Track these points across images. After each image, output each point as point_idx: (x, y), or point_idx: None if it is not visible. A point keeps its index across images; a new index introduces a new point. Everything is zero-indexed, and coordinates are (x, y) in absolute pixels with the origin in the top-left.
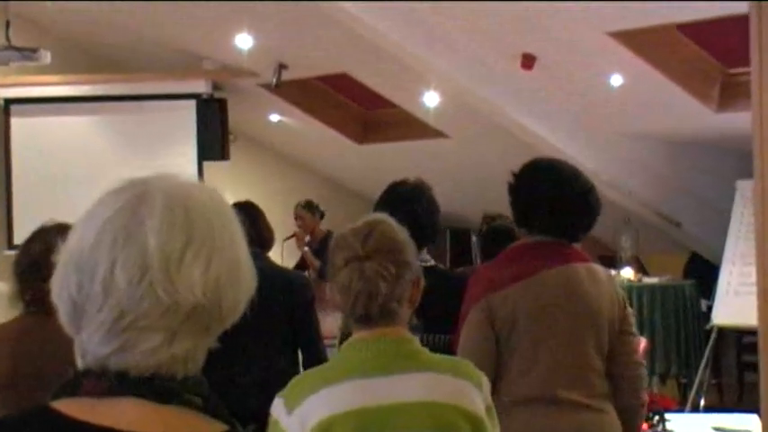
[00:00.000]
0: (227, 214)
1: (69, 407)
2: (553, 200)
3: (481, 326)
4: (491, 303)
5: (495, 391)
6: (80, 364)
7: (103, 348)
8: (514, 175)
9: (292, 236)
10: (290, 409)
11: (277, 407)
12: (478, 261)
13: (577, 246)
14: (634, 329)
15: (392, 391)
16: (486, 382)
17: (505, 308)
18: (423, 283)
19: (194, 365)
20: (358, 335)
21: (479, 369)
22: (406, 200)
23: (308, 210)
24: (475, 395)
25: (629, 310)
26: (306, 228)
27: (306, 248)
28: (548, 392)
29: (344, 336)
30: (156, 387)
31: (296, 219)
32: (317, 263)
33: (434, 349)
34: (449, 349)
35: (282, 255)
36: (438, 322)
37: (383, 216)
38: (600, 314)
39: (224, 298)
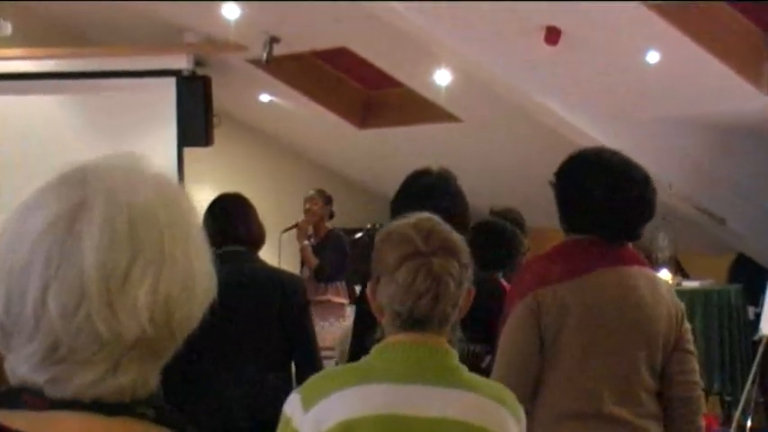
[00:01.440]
0: (183, 216)
1: (11, 419)
2: (608, 201)
3: (526, 325)
4: (540, 299)
5: (534, 402)
6: (12, 381)
7: (36, 377)
8: (558, 172)
9: (294, 226)
10: (306, 407)
11: (292, 403)
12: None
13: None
14: (692, 346)
15: (426, 403)
16: (524, 418)
17: (555, 306)
18: (473, 293)
19: (145, 389)
20: (395, 338)
21: (520, 374)
22: (433, 192)
23: (322, 197)
24: (513, 428)
25: (688, 325)
26: (312, 218)
27: (306, 242)
28: (594, 407)
29: (358, 348)
30: (101, 405)
31: (305, 204)
32: (314, 260)
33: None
34: (475, 362)
35: (280, 250)
36: (473, 332)
37: (429, 215)
38: (656, 326)
39: (174, 317)
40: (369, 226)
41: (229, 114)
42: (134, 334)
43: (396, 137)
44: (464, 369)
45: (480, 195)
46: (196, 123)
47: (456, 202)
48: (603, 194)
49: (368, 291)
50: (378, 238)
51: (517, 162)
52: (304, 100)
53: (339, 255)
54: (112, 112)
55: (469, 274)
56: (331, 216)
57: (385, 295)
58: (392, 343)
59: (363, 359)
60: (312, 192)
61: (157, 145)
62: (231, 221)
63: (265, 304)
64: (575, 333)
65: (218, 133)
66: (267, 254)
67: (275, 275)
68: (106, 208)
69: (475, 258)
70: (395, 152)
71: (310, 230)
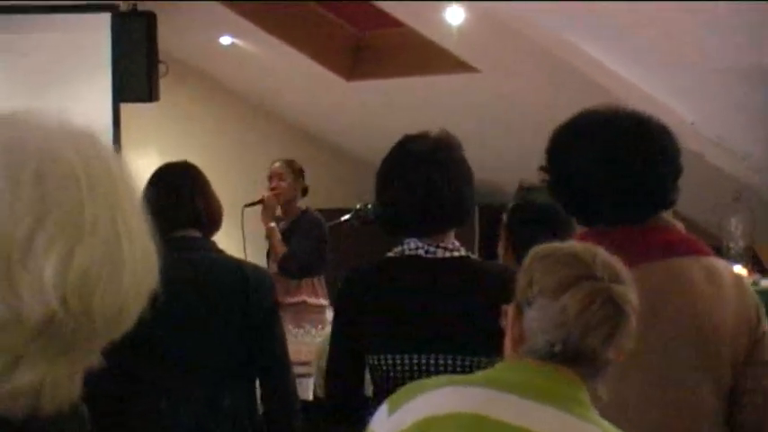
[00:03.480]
0: (111, 177)
1: None
2: (608, 180)
3: None
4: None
5: None
6: None
7: None
8: (548, 147)
9: (259, 201)
10: (391, 411)
11: (378, 413)
12: (505, 253)
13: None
14: None
15: (519, 414)
16: None
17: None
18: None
19: (55, 399)
20: (528, 361)
21: None
22: (424, 161)
23: (291, 170)
24: None
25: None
26: (281, 195)
27: (273, 224)
28: None
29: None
30: None
31: (270, 179)
32: (281, 248)
33: None
34: None
35: (243, 231)
36: (470, 340)
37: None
38: (720, 334)
39: (97, 302)
40: (359, 206)
41: (180, 61)
42: (39, 315)
43: (393, 91)
44: (596, 413)
45: (503, 169)
46: (136, 73)
47: (453, 173)
48: (601, 175)
49: (508, 317)
50: (533, 255)
51: (550, 123)
52: (276, 43)
53: (314, 242)
54: (29, 59)
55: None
56: (304, 193)
57: (535, 320)
58: (523, 362)
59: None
60: (277, 164)
61: (85, 100)
62: (180, 198)
63: (223, 306)
64: None
65: (164, 85)
66: (227, 238)
67: (236, 268)
68: (7, 153)
69: (516, 247)
70: (392, 111)
71: (278, 210)
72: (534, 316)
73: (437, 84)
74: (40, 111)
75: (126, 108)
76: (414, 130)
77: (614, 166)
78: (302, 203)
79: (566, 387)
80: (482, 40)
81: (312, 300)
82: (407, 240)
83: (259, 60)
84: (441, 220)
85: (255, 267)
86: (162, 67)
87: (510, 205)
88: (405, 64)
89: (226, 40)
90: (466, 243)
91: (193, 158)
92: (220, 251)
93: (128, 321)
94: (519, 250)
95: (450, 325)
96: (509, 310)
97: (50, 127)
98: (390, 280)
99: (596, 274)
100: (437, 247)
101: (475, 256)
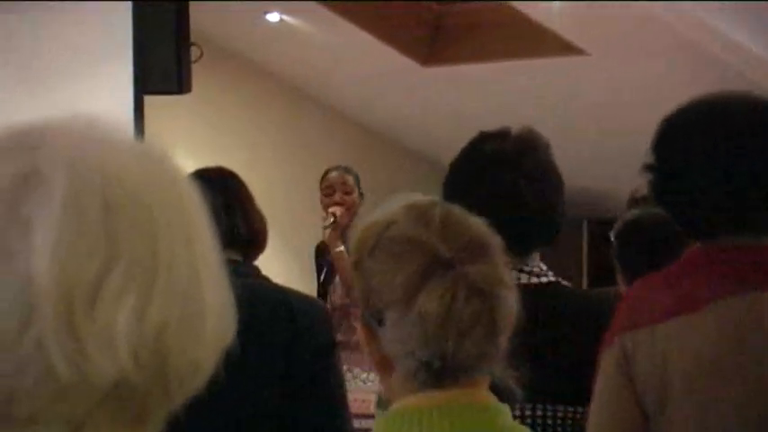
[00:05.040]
0: (183, 203)
1: None
2: (728, 180)
3: (613, 386)
4: (627, 348)
5: None
6: None
7: None
8: (655, 141)
9: (333, 222)
10: None
11: None
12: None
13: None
14: None
15: None
16: None
17: (652, 358)
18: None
19: None
20: (420, 400)
21: None
22: (503, 163)
23: (356, 180)
24: None
25: None
26: (348, 213)
27: (341, 248)
28: None
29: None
30: None
31: (330, 192)
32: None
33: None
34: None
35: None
36: (557, 383)
37: (421, 196)
38: None
39: (173, 360)
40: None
41: (216, 43)
42: (108, 376)
43: (478, 79)
44: (523, 430)
45: (625, 174)
46: (163, 59)
47: (541, 183)
48: (725, 170)
49: (361, 338)
50: (358, 248)
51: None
52: (334, 20)
53: None
54: (41, 48)
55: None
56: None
57: (395, 340)
58: (415, 409)
59: None
60: (336, 173)
61: (104, 92)
62: (215, 213)
63: (265, 345)
64: (684, 399)
65: (197, 73)
66: (276, 262)
67: (280, 300)
68: (71, 183)
69: (627, 270)
70: (477, 103)
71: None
72: (391, 336)
73: (532, 70)
74: (86, 119)
75: (150, 101)
76: (496, 124)
77: (736, 162)
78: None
79: (488, 425)
80: (591, 18)
81: None
82: None
83: (313, 41)
84: (524, 238)
85: (305, 299)
86: (194, 51)
87: (615, 228)
88: (493, 46)
89: (273, 16)
90: (571, 268)
91: (232, 163)
92: (265, 278)
93: (202, 381)
94: (631, 276)
95: (535, 369)
96: (359, 331)
97: (111, 138)
98: None
99: (444, 255)
100: (520, 271)
101: (568, 284)
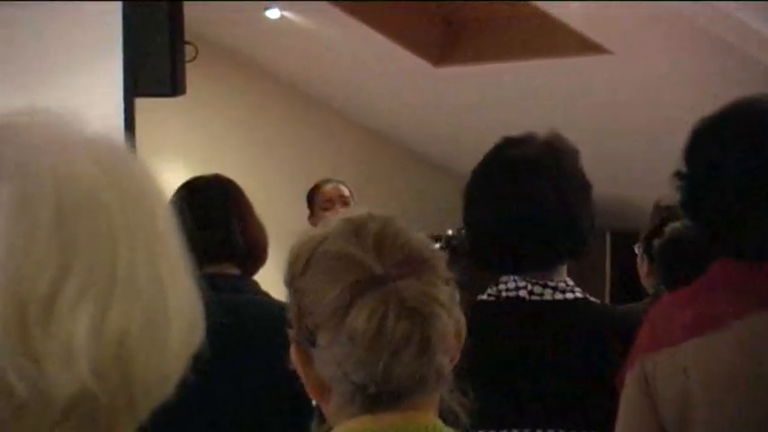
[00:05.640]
0: (146, 205)
1: None
2: (765, 186)
3: (636, 410)
4: (648, 370)
5: None
6: None
7: None
8: (686, 147)
9: None
10: None
11: None
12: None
13: None
14: None
15: None
16: None
17: (672, 379)
18: (464, 335)
19: None
20: (356, 424)
21: None
22: (527, 172)
23: (352, 194)
24: None
25: None
26: None
27: None
28: None
29: None
30: None
31: (329, 205)
32: None
33: None
34: None
35: None
36: (589, 411)
37: (362, 209)
38: None
39: (138, 370)
40: (450, 232)
41: (212, 41)
42: (68, 392)
43: (496, 81)
44: None
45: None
46: (155, 57)
47: (568, 191)
48: (752, 181)
49: (295, 361)
50: (291, 266)
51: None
52: (340, 17)
53: None
54: (27, 46)
55: (455, 295)
56: None
57: (329, 362)
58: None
59: None
60: (331, 186)
61: (90, 94)
62: (212, 224)
63: (266, 366)
64: (709, 423)
65: (192, 74)
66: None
67: (285, 317)
68: (21, 186)
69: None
70: (492, 106)
71: None
72: (324, 355)
73: (552, 71)
74: (48, 113)
75: (142, 104)
76: (519, 131)
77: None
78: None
79: None
80: (614, 15)
81: None
82: (505, 278)
83: (316, 39)
84: (550, 251)
85: None
86: (189, 50)
87: (661, 239)
88: (511, 45)
89: (273, 13)
90: (594, 279)
91: (228, 170)
92: (265, 293)
93: (169, 390)
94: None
95: (561, 392)
96: (293, 353)
97: (65, 136)
98: (481, 331)
99: (375, 271)
100: (545, 286)
101: (596, 300)
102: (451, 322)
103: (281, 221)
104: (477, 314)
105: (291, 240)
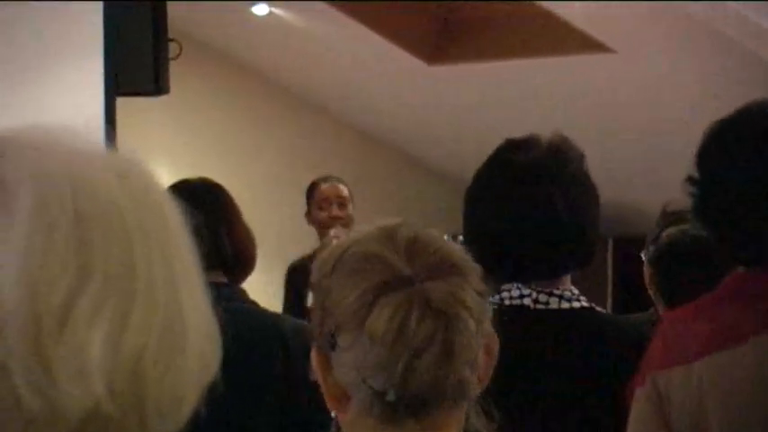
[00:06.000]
0: (164, 219)
1: None
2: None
3: (647, 428)
4: (660, 388)
5: None
6: None
7: None
8: (699, 152)
9: (312, 254)
10: None
11: None
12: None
13: None
14: None
15: None
16: None
17: (688, 399)
18: (497, 353)
19: None
20: None
21: None
22: (532, 176)
23: (350, 193)
24: None
25: None
26: (348, 228)
27: None
28: None
29: None
30: None
31: (325, 205)
32: None
33: None
34: None
35: (291, 293)
36: (597, 425)
37: (398, 219)
38: None
39: (152, 391)
40: (446, 237)
41: (197, 39)
42: (81, 407)
43: (494, 80)
44: None
45: (656, 186)
46: (138, 57)
47: (575, 196)
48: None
49: (315, 367)
50: (319, 268)
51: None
52: (331, 13)
53: None
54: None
55: (488, 309)
56: None
57: (348, 366)
58: None
59: None
60: (327, 185)
61: (70, 93)
62: (198, 231)
63: (254, 377)
64: None
65: (176, 72)
66: (264, 285)
67: (271, 326)
68: (38, 194)
69: (667, 296)
70: (489, 106)
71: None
72: (344, 360)
73: (552, 70)
74: (59, 126)
75: (123, 103)
76: (518, 132)
77: None
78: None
79: None
80: (618, 12)
81: None
82: (508, 285)
83: (305, 37)
84: (556, 258)
85: (299, 326)
86: (173, 48)
87: (657, 244)
88: (510, 43)
89: (261, 8)
90: (595, 287)
91: (213, 172)
92: (253, 302)
93: (185, 416)
94: (669, 303)
95: (566, 405)
96: (313, 360)
97: (77, 144)
98: None
99: (403, 272)
100: (550, 294)
101: (603, 310)
102: (480, 334)
103: (268, 227)
104: None
105: (278, 246)
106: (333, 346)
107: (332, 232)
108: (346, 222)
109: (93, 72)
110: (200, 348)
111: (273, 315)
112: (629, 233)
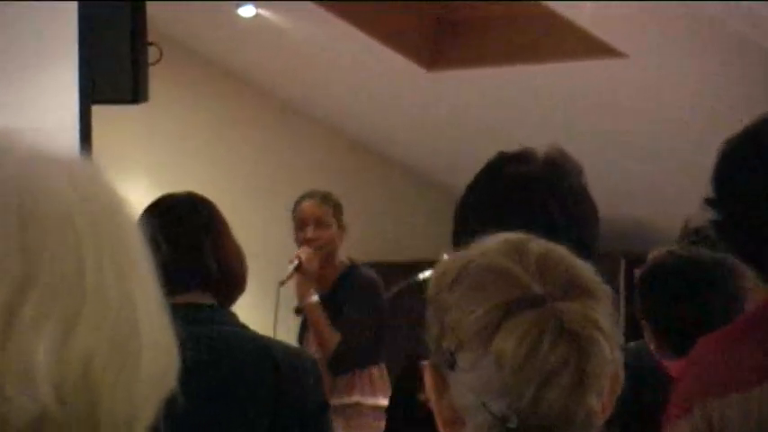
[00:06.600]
0: (117, 223)
1: None
2: None
3: None
4: (712, 417)
5: None
6: None
7: None
8: (716, 169)
9: (297, 268)
10: None
11: None
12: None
13: None
14: None
15: None
16: None
17: (745, 428)
18: (621, 385)
19: None
20: None
21: None
22: (529, 190)
23: (332, 209)
24: None
25: None
26: (325, 250)
27: (315, 298)
28: None
29: None
30: None
31: (302, 226)
32: (330, 333)
33: None
34: None
35: (277, 313)
36: None
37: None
38: None
39: (105, 402)
40: (446, 256)
41: (179, 42)
42: (27, 416)
43: (498, 86)
44: None
45: (674, 201)
46: (115, 62)
47: (569, 207)
48: None
49: (429, 389)
50: (437, 281)
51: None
52: (322, 15)
53: (370, 318)
54: None
55: (619, 335)
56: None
57: (467, 387)
58: None
59: None
60: (310, 201)
61: (43, 101)
62: (183, 249)
63: (243, 405)
64: None
65: (156, 78)
66: (254, 310)
67: (265, 351)
68: None
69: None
70: (491, 118)
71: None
72: (463, 381)
73: (555, 75)
74: (14, 130)
75: (100, 111)
76: (521, 140)
77: None
78: (343, 256)
79: None
80: (629, 13)
81: (369, 400)
82: None
83: (294, 40)
84: None
85: (291, 350)
86: (153, 52)
87: (644, 265)
88: (512, 47)
89: (247, 10)
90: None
91: (197, 186)
92: (243, 326)
93: (144, 427)
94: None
95: None
96: (426, 380)
97: (35, 151)
98: None
99: (534, 289)
100: None
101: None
102: (611, 361)
103: (255, 242)
104: None
105: (265, 264)
106: (451, 366)
107: (297, 253)
108: (321, 244)
109: (67, 78)
110: (155, 359)
111: (264, 338)
112: (645, 253)
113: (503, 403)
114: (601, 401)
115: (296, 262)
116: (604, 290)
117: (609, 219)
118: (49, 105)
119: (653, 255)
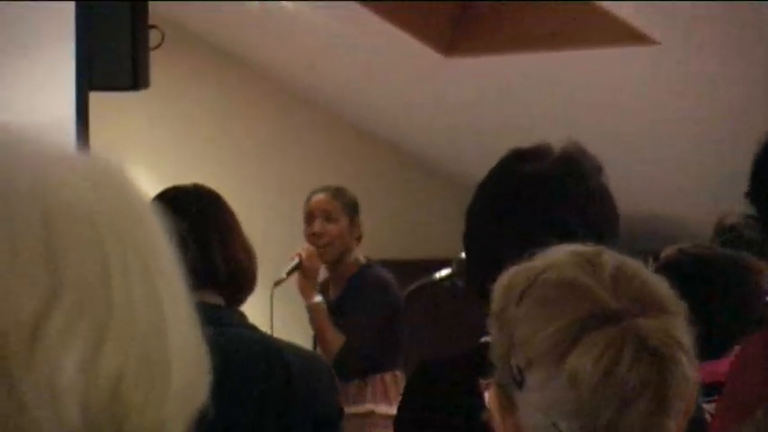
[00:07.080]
0: (143, 225)
1: None
2: None
3: None
4: None
5: None
6: None
7: None
8: (756, 163)
9: (296, 267)
10: None
11: None
12: None
13: None
14: None
15: None
16: None
17: None
18: (696, 400)
19: None
20: None
21: None
22: (545, 189)
23: (342, 204)
24: None
25: None
26: (330, 247)
27: (318, 299)
28: None
29: None
30: None
31: (310, 220)
32: (333, 336)
33: None
34: None
35: (272, 313)
36: None
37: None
38: None
39: (134, 419)
40: (463, 255)
41: (181, 25)
42: None
43: (520, 74)
44: None
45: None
46: (114, 47)
47: (591, 213)
48: None
49: (493, 408)
50: (502, 295)
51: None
52: (335, 3)
53: (382, 319)
54: None
55: (696, 362)
56: (358, 239)
57: (535, 407)
58: None
59: None
60: (321, 195)
61: (39, 87)
62: (194, 244)
63: (253, 412)
64: None
65: (158, 63)
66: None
67: (276, 355)
68: (1, 201)
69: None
70: (513, 106)
71: (322, 272)
72: (532, 401)
73: (581, 63)
74: (24, 126)
75: (98, 98)
76: (544, 132)
77: None
78: (359, 254)
79: None
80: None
81: (382, 408)
82: None
83: (303, 24)
84: None
85: (304, 354)
86: (154, 36)
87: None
88: (537, 32)
89: None
90: None
91: (200, 177)
92: (253, 327)
93: None
94: None
95: None
96: (490, 399)
97: (49, 149)
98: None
99: (610, 305)
100: None
101: None
102: (691, 382)
103: (263, 237)
104: (475, 359)
105: (273, 261)
106: (519, 384)
107: (299, 251)
108: (326, 242)
109: (63, 63)
110: (184, 373)
111: (275, 341)
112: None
113: (575, 424)
114: (677, 423)
115: (296, 260)
116: (681, 305)
117: (636, 217)
118: (44, 92)
119: (665, 253)
